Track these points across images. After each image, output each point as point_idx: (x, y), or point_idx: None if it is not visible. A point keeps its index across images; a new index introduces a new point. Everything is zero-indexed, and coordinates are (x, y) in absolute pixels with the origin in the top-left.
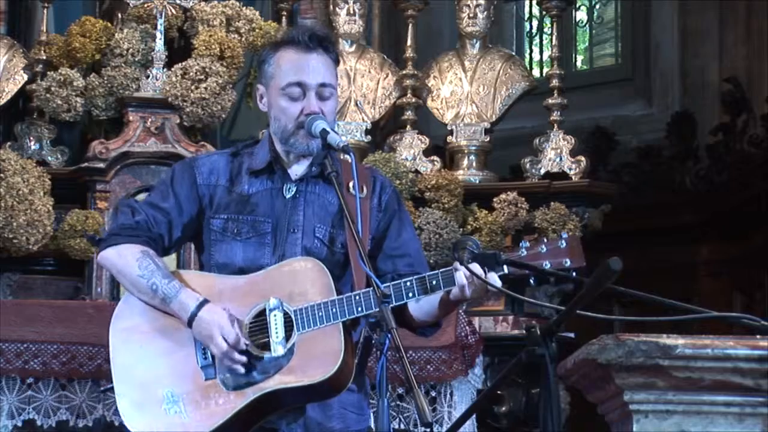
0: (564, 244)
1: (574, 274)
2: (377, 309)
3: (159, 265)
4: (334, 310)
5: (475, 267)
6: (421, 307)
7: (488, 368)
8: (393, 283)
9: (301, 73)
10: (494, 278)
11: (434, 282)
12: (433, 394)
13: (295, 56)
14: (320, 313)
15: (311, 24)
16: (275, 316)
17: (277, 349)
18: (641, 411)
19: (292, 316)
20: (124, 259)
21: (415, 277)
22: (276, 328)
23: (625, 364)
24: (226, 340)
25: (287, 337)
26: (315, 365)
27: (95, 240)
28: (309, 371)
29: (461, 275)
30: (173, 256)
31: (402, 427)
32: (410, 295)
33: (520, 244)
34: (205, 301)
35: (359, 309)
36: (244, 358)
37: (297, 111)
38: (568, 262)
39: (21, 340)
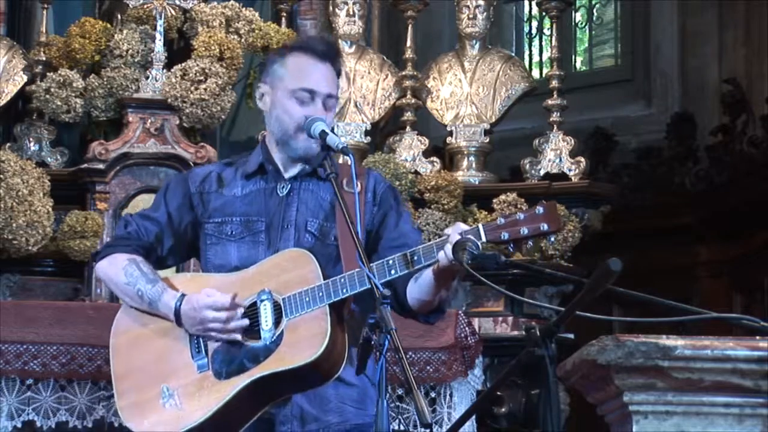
0: (541, 210)
1: (551, 239)
2: (362, 288)
3: (144, 271)
4: (320, 293)
5: (454, 230)
6: (419, 285)
7: (488, 369)
8: (376, 263)
9: (313, 80)
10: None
11: (415, 257)
12: (433, 395)
13: (308, 63)
14: (307, 299)
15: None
16: (265, 305)
17: (266, 336)
18: (641, 412)
19: (281, 304)
20: (114, 268)
21: (397, 254)
22: (265, 317)
23: (625, 365)
24: (221, 309)
25: (277, 324)
26: (303, 347)
27: (93, 255)
28: (297, 354)
29: (442, 254)
30: None
31: (402, 428)
32: (393, 272)
33: (501, 213)
34: (183, 296)
35: (344, 290)
36: (241, 317)
37: (302, 115)
38: (546, 227)
39: (21, 341)
